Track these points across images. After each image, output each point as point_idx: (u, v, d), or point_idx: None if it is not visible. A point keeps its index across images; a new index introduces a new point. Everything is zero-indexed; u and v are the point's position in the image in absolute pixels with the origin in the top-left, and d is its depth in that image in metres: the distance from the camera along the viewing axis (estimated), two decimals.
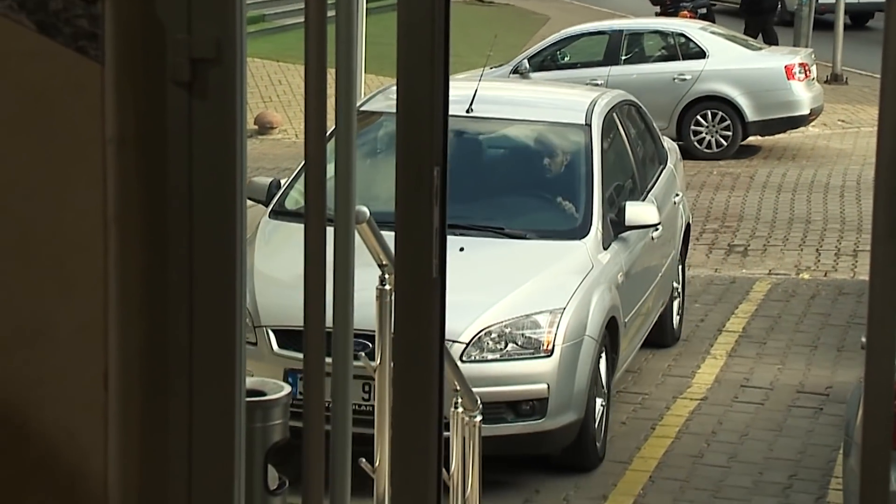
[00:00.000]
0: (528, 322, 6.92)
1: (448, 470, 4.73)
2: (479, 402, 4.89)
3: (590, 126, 8.15)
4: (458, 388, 4.67)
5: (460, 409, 4.72)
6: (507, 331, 6.87)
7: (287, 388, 2.77)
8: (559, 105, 9.01)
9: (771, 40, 21.53)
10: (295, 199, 7.75)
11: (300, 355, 2.76)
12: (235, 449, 2.42)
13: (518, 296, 7.06)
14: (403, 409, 2.44)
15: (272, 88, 19.71)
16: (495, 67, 17.34)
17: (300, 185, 7.83)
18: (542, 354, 6.87)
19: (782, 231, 12.90)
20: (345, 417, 2.33)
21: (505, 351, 6.85)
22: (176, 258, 2.41)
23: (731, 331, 9.85)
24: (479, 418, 4.87)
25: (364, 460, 4.16)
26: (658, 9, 23.82)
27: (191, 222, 2.40)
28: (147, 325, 2.42)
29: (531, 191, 8.09)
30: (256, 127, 16.86)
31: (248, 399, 2.53)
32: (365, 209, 3.74)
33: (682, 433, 7.91)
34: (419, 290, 2.35)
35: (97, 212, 2.39)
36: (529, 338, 6.88)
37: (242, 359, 2.42)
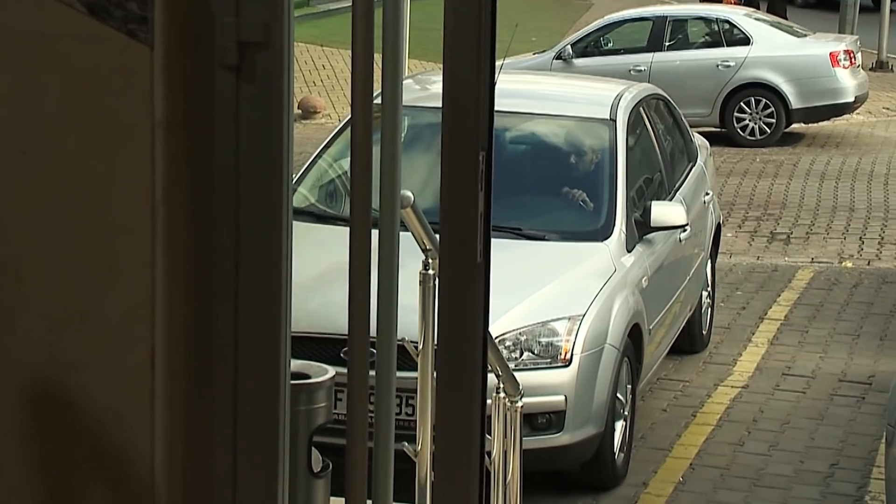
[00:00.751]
0: (545, 329, 6.52)
1: (489, 455, 4.73)
2: (520, 387, 4.89)
3: (615, 121, 7.78)
4: (500, 373, 4.67)
5: (502, 395, 4.72)
6: (523, 339, 6.48)
7: (332, 371, 2.79)
8: (583, 99, 8.62)
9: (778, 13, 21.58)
10: (302, 197, 7.49)
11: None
12: (280, 431, 2.43)
13: (535, 301, 6.66)
14: (447, 393, 2.45)
15: (316, 73, 19.76)
16: (538, 53, 17.32)
17: (304, 186, 7.67)
18: (560, 364, 6.45)
19: (825, 219, 12.84)
20: (388, 430, 2.35)
21: (520, 360, 6.42)
22: (222, 241, 2.42)
23: (772, 319, 9.81)
24: (520, 403, 4.87)
25: (406, 444, 4.17)
26: None
27: (237, 205, 2.42)
28: (193, 308, 2.43)
29: (552, 189, 7.69)
30: (300, 111, 16.91)
31: (293, 382, 2.54)
32: (409, 193, 3.73)
33: (722, 421, 7.90)
34: (464, 274, 2.36)
35: (145, 195, 2.40)
36: (546, 346, 6.48)
37: (287, 341, 2.43)
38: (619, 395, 6.85)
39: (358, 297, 2.35)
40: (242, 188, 2.42)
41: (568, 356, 6.48)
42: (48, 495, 2.46)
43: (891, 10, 21.63)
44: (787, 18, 20.82)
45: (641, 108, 8.36)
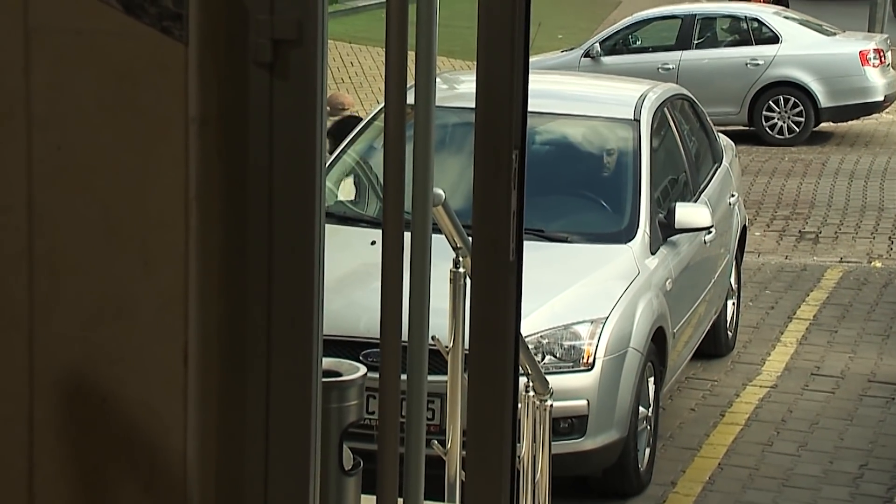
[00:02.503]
0: (568, 333, 6.46)
1: (518, 453, 4.72)
2: (550, 385, 4.88)
3: (638, 121, 7.70)
4: (530, 371, 4.66)
5: (531, 393, 4.72)
6: (545, 342, 6.42)
7: (363, 369, 2.79)
8: (606, 99, 8.55)
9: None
10: (327, 192, 7.50)
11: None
12: (311, 428, 2.44)
13: (557, 304, 6.59)
14: (479, 390, 2.45)
15: (344, 70, 19.78)
16: (566, 51, 17.29)
17: (329, 180, 7.68)
18: (583, 368, 6.38)
19: (854, 218, 12.79)
20: (419, 430, 2.35)
21: (542, 363, 6.32)
22: (255, 237, 2.43)
23: (801, 318, 9.78)
24: (549, 402, 4.87)
25: (437, 443, 4.17)
26: None
27: (270, 202, 2.42)
28: (226, 304, 2.44)
29: (574, 190, 7.63)
30: (328, 108, 16.90)
31: (324, 379, 2.55)
32: (440, 191, 3.73)
33: (751, 420, 7.88)
34: (497, 272, 2.36)
35: (179, 190, 2.41)
36: (569, 350, 6.42)
37: (319, 339, 2.44)
38: (642, 399, 6.80)
39: (390, 297, 2.35)
40: (275, 184, 2.42)
41: (591, 360, 6.41)
42: (82, 489, 2.47)
43: None
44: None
45: (666, 109, 8.30)
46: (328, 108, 17.14)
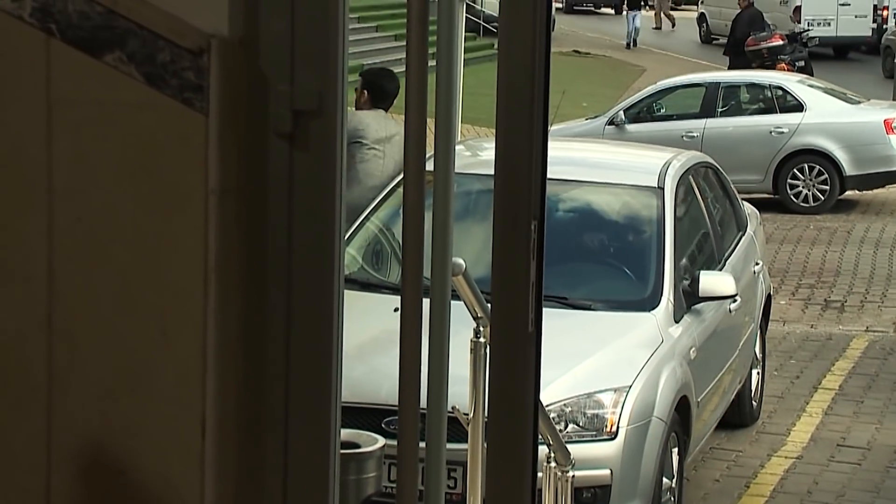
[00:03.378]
0: (591, 401, 6.38)
1: None
2: (571, 456, 4.85)
3: (663, 189, 7.70)
4: (551, 442, 4.64)
5: (553, 464, 4.69)
6: (568, 410, 6.33)
7: (381, 441, 2.78)
8: (630, 166, 8.55)
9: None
10: (350, 258, 7.43)
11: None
12: (330, 501, 2.43)
13: (580, 372, 6.52)
14: (498, 460, 2.43)
15: None
16: (590, 119, 17.34)
17: (351, 248, 7.71)
18: (606, 437, 6.30)
19: (880, 287, 12.72)
20: (438, 500, 2.33)
21: (565, 432, 6.22)
22: (274, 309, 2.43)
23: (827, 388, 9.71)
24: (571, 473, 4.83)
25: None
26: (755, 62, 23.71)
27: (289, 273, 2.42)
28: (244, 375, 2.43)
29: (598, 257, 7.62)
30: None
31: (343, 451, 2.54)
32: (460, 261, 3.73)
33: (776, 492, 7.80)
34: (515, 343, 2.35)
35: (198, 261, 2.41)
36: (592, 418, 6.34)
37: (338, 410, 2.43)
38: (666, 469, 6.75)
39: (408, 365, 2.34)
40: (295, 256, 2.43)
41: (614, 428, 6.35)
42: None
43: None
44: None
45: (690, 176, 8.30)
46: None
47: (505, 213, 2.38)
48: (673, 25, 39.16)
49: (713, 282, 7.38)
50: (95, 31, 2.42)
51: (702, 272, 7.48)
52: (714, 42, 33.28)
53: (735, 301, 7.83)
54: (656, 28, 38.77)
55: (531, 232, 2.36)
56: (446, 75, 2.39)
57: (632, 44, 34.41)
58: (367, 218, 7.92)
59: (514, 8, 2.40)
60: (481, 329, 4.11)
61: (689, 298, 7.33)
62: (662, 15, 39.50)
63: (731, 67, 22.76)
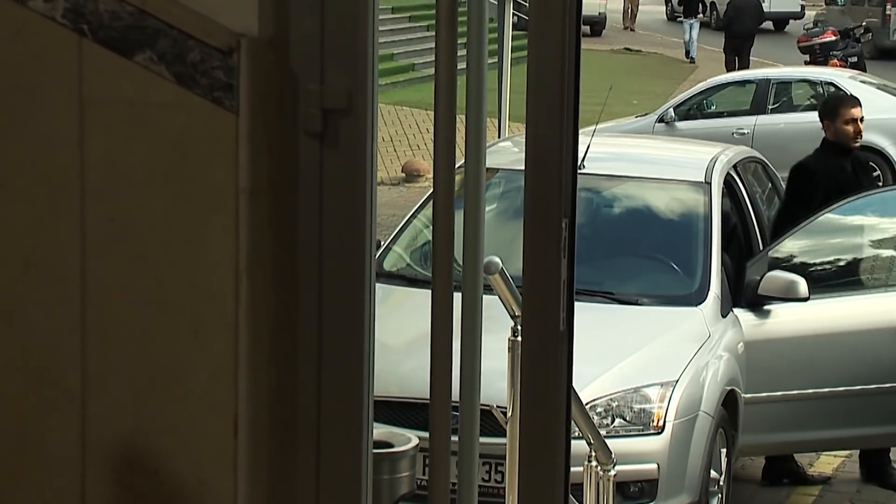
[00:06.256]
0: (638, 396, 6.36)
1: None
2: (613, 455, 4.82)
3: (710, 184, 7.65)
4: (592, 440, 4.61)
5: (594, 463, 4.66)
6: (615, 404, 6.33)
7: (415, 440, 2.77)
8: (677, 162, 8.52)
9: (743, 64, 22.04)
10: (394, 260, 7.48)
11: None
12: (362, 501, 2.42)
13: (627, 366, 6.50)
14: (531, 457, 2.42)
15: (420, 136, 19.89)
16: (640, 116, 17.26)
17: (399, 245, 7.74)
18: (653, 431, 6.29)
19: None
20: (470, 495, 2.32)
21: (612, 427, 6.26)
22: (306, 308, 2.42)
23: None
24: (613, 472, 4.80)
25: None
26: (807, 57, 23.57)
27: (321, 273, 2.42)
28: (276, 375, 2.43)
29: (644, 252, 7.56)
30: (404, 174, 16.96)
31: (376, 451, 2.53)
32: (497, 259, 3.71)
33: (825, 491, 7.73)
34: (547, 343, 2.33)
35: (230, 261, 2.41)
36: (639, 413, 6.33)
37: (370, 410, 2.42)
38: (714, 464, 6.71)
39: (440, 362, 2.33)
40: (326, 255, 2.42)
41: (661, 423, 6.33)
42: None
43: None
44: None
45: (738, 172, 8.27)
46: (404, 174, 17.17)
47: (535, 211, 2.37)
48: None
49: (779, 281, 7.25)
50: (126, 31, 2.42)
51: (770, 271, 7.40)
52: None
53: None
54: (626, 28, 36.60)
55: (562, 230, 2.34)
56: (476, 72, 2.38)
57: (692, 54, 29.80)
58: (413, 215, 7.92)
59: (544, 4, 2.38)
60: (518, 328, 4.09)
61: (752, 296, 7.23)
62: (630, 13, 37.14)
63: (739, 67, 23.01)
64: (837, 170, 7.90)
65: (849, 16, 31.10)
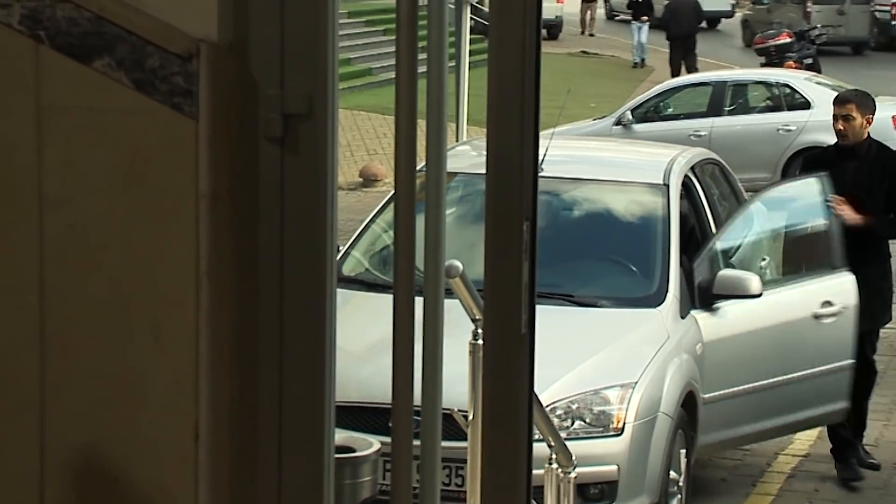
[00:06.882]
0: (598, 398, 6.39)
1: None
2: (573, 457, 4.83)
3: (668, 186, 7.69)
4: (552, 443, 4.62)
5: (555, 465, 4.68)
6: (575, 407, 6.35)
7: (377, 445, 2.77)
8: (635, 164, 8.56)
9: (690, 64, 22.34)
10: (353, 265, 7.50)
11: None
12: None
13: (587, 368, 6.54)
14: (493, 459, 2.42)
15: (377, 141, 19.86)
16: (598, 119, 17.31)
17: (358, 250, 7.68)
18: (612, 433, 6.32)
19: None
20: (433, 499, 2.32)
21: (572, 429, 6.27)
22: (267, 314, 2.42)
23: None
24: (573, 474, 4.82)
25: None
26: (763, 59, 23.71)
27: (282, 278, 2.42)
28: (237, 380, 2.42)
29: (604, 255, 7.61)
30: (361, 179, 16.94)
31: (337, 455, 2.53)
32: (458, 263, 3.72)
33: (783, 491, 7.77)
34: (508, 344, 2.34)
35: (190, 267, 2.41)
36: (598, 415, 6.36)
37: (332, 415, 2.42)
38: (673, 465, 6.74)
39: (402, 366, 2.33)
40: (287, 260, 2.42)
41: (620, 425, 6.36)
42: None
43: None
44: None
45: (695, 173, 8.29)
46: (362, 179, 17.14)
47: (497, 214, 2.37)
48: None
49: (732, 279, 7.32)
50: (84, 37, 2.41)
51: (721, 270, 7.44)
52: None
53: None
54: (584, 33, 35.81)
55: (523, 233, 2.35)
56: (436, 76, 2.38)
57: (642, 57, 29.29)
58: (372, 220, 7.92)
59: (504, 9, 2.39)
60: (479, 331, 4.10)
61: (706, 296, 7.30)
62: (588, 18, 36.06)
63: (687, 68, 23.22)
64: (839, 169, 7.87)
65: (774, 14, 31.48)
